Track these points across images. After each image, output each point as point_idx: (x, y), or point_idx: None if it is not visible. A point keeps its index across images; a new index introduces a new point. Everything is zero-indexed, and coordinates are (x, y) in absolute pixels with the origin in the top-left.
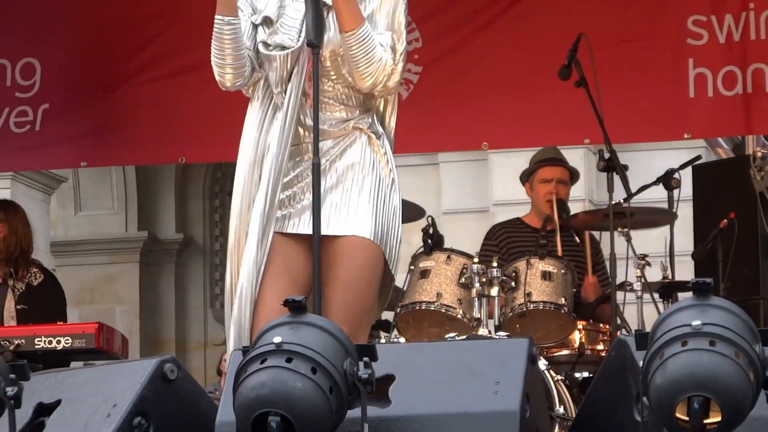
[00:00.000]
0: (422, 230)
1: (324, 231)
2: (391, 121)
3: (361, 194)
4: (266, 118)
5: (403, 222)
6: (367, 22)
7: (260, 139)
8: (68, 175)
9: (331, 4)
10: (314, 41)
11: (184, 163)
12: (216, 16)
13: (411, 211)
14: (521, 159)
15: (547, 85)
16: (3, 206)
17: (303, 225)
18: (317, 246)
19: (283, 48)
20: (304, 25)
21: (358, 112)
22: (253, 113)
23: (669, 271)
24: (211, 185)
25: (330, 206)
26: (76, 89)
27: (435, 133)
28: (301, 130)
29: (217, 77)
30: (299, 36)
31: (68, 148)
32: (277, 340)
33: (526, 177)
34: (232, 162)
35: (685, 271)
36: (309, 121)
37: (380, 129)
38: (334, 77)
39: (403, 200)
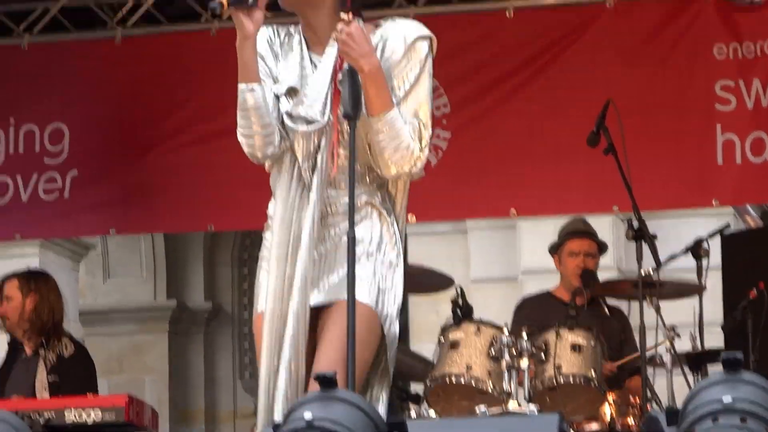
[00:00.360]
0: (451, 300)
1: (321, 300)
2: (404, 200)
3: (364, 270)
4: (296, 195)
5: (431, 291)
6: (396, 107)
7: (293, 219)
8: (97, 242)
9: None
10: (350, 113)
11: (213, 231)
12: (239, 85)
13: (439, 280)
14: (550, 227)
15: (576, 152)
16: (34, 276)
17: (325, 297)
18: (352, 313)
19: (308, 121)
20: (327, 99)
21: (372, 187)
22: (281, 188)
23: (698, 342)
24: (239, 253)
25: (331, 277)
26: (105, 156)
27: (463, 200)
28: (324, 206)
29: (246, 149)
30: (324, 109)
31: (97, 216)
32: (308, 416)
33: (554, 249)
34: (261, 230)
35: (715, 341)
36: (332, 193)
37: (391, 206)
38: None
39: (431, 270)
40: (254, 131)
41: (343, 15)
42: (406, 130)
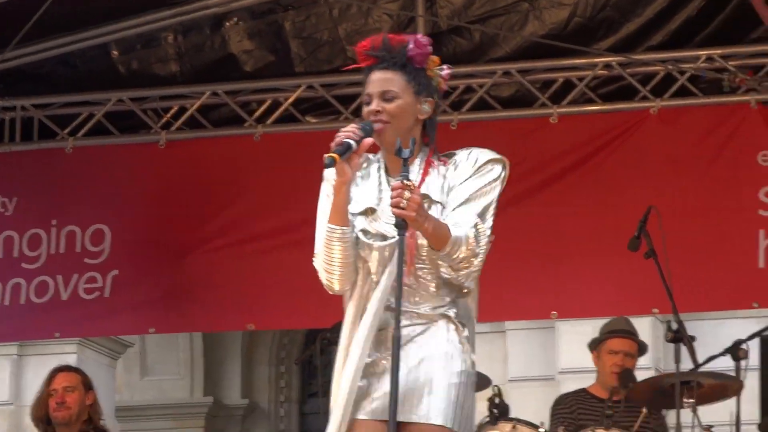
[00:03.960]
0: (488, 399)
1: (399, 417)
2: (476, 309)
3: (439, 384)
4: (361, 309)
5: None
6: (453, 236)
7: (350, 332)
8: (135, 340)
9: (434, 199)
10: (402, 222)
11: (252, 330)
12: (328, 225)
13: (478, 381)
14: (588, 327)
15: (617, 256)
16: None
17: (377, 411)
18: (393, 414)
19: (384, 237)
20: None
21: (447, 299)
22: (351, 306)
23: None
24: (277, 351)
25: (407, 392)
26: (146, 257)
27: (504, 303)
28: (388, 315)
29: (324, 281)
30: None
31: (137, 315)
32: None
33: (594, 345)
34: (298, 329)
35: None
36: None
37: (465, 318)
38: (428, 266)
39: None
40: (335, 269)
41: (407, 182)
42: (462, 234)
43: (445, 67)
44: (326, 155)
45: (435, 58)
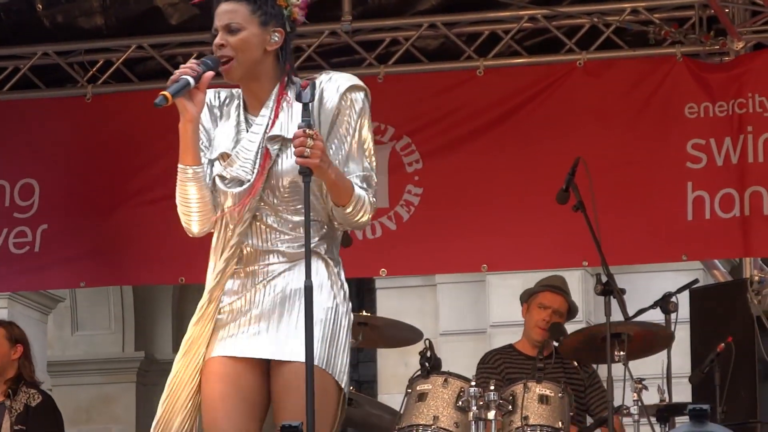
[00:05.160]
0: (419, 353)
1: (273, 355)
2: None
3: (319, 328)
4: (222, 246)
5: (400, 345)
6: (355, 186)
7: (215, 267)
8: (66, 295)
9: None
10: (306, 169)
11: (184, 284)
12: (179, 165)
13: (408, 334)
14: (518, 281)
15: (546, 208)
16: (17, 327)
17: (254, 349)
18: (311, 372)
19: (240, 182)
20: (257, 159)
21: (316, 238)
22: (212, 254)
23: (666, 395)
24: None
25: (279, 330)
26: (75, 211)
27: (435, 255)
28: (251, 251)
29: (183, 224)
30: (254, 168)
31: (67, 269)
32: None
33: (526, 297)
34: None
35: (683, 394)
36: (259, 244)
37: (337, 256)
38: (292, 206)
39: (400, 322)
40: (192, 210)
41: (309, 131)
42: (364, 194)
43: None
44: (159, 94)
45: None
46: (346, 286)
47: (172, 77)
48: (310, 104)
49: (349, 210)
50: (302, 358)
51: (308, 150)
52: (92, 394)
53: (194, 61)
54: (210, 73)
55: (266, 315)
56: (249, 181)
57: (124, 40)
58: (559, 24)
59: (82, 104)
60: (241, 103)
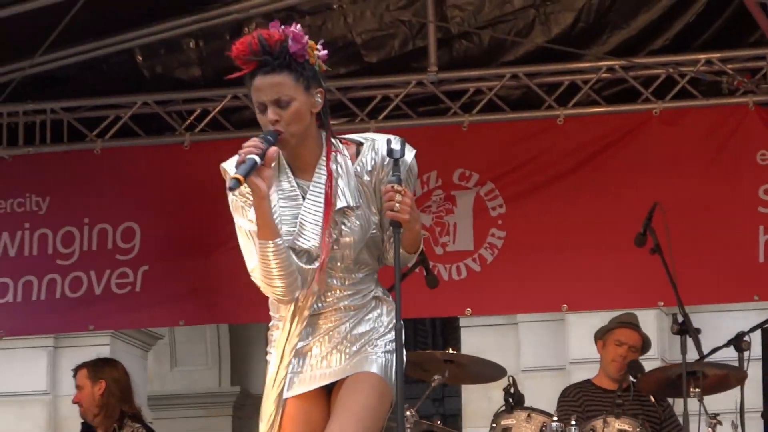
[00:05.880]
0: (503, 389)
1: (335, 377)
2: None
3: (376, 349)
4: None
5: (485, 381)
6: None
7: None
8: (164, 332)
9: (353, 205)
10: (396, 222)
11: None
12: (259, 241)
13: (492, 371)
14: (596, 319)
15: (623, 250)
16: (101, 364)
17: (314, 381)
18: (401, 401)
19: (309, 255)
20: (320, 227)
21: (372, 285)
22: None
23: (740, 429)
24: None
25: (344, 358)
26: (174, 253)
27: (518, 296)
28: (317, 308)
29: (271, 296)
30: (317, 236)
31: (167, 308)
32: None
33: (601, 334)
34: None
35: (756, 429)
36: (324, 305)
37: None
38: (356, 267)
39: (485, 360)
40: (276, 281)
41: (397, 187)
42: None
43: (320, 45)
44: (230, 177)
45: (312, 44)
46: (393, 313)
47: (239, 158)
48: (399, 160)
49: (414, 256)
50: (359, 370)
51: (397, 205)
52: (191, 427)
53: (256, 139)
54: (274, 149)
55: (330, 355)
56: (318, 255)
57: (220, 90)
58: (636, 74)
59: (180, 151)
60: (286, 166)
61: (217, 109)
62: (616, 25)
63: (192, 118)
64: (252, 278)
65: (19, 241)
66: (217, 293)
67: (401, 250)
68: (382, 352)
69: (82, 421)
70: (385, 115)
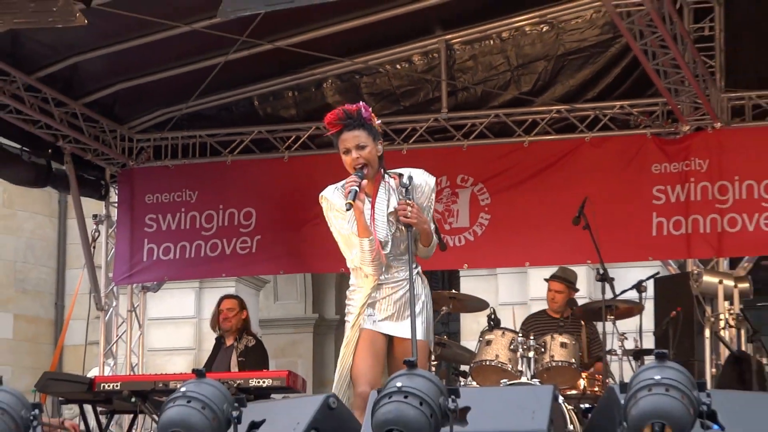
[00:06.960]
0: (487, 316)
1: (399, 334)
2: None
3: (420, 316)
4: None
5: (475, 311)
6: (434, 235)
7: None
8: (270, 278)
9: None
10: (409, 225)
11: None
12: (360, 239)
13: (481, 304)
14: (547, 272)
15: (566, 227)
16: (241, 299)
17: (389, 328)
18: (414, 329)
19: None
20: (389, 232)
21: (415, 264)
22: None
23: (639, 343)
24: None
25: (400, 320)
26: (278, 227)
27: (498, 256)
28: (384, 276)
29: (368, 273)
30: (387, 232)
31: (273, 263)
32: (399, 384)
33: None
34: None
35: (649, 343)
36: (388, 275)
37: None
38: (402, 250)
39: (475, 297)
40: (369, 266)
41: (409, 201)
42: (435, 238)
43: (378, 119)
44: (345, 203)
45: (373, 114)
46: (428, 288)
47: (346, 190)
48: (408, 187)
49: (428, 248)
50: (418, 337)
51: (408, 212)
52: (286, 341)
53: (354, 176)
54: (365, 181)
55: (393, 310)
56: (388, 242)
57: (308, 123)
58: (575, 114)
59: (281, 163)
60: (364, 194)
61: (305, 136)
62: (562, 83)
63: (289, 141)
64: (347, 263)
65: (178, 220)
66: (305, 253)
67: (419, 244)
68: (423, 325)
69: (216, 335)
70: (413, 140)
